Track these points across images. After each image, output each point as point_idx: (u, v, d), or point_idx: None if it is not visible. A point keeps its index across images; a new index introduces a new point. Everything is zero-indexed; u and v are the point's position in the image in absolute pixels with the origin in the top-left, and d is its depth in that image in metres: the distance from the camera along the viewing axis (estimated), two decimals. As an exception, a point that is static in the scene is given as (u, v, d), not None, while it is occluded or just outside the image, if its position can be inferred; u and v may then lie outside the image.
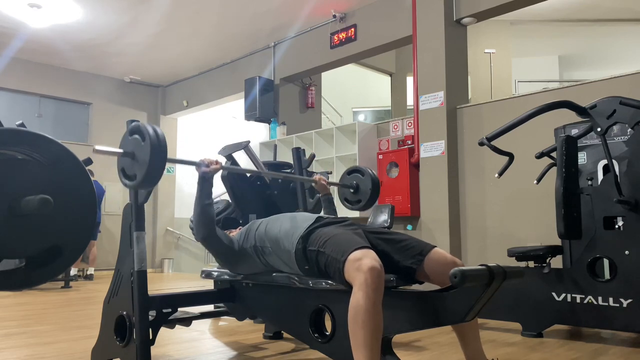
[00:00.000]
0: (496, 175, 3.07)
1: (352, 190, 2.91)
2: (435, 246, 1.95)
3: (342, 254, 1.75)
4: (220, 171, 2.66)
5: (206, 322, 3.62)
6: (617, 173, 2.85)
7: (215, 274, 2.50)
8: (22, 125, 1.82)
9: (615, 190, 2.76)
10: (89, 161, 1.99)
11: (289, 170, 3.01)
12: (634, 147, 2.77)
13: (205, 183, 2.20)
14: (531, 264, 3.20)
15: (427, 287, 1.89)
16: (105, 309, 2.24)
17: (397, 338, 2.78)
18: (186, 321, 2.43)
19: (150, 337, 2.09)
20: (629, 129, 2.89)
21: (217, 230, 2.22)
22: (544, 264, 3.12)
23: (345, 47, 6.29)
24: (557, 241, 3.22)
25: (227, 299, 2.49)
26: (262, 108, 6.93)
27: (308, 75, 7.10)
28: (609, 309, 2.76)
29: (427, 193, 5.02)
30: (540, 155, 3.40)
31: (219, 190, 2.66)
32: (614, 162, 2.89)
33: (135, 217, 2.11)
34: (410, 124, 5.50)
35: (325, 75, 7.71)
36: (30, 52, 7.70)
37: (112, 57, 7.95)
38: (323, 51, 6.53)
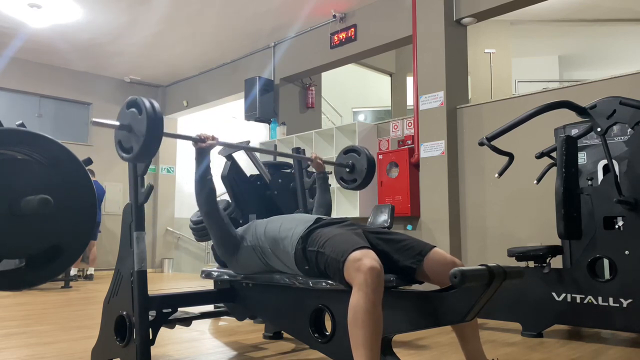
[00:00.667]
0: (496, 175, 3.07)
1: (347, 170, 2.92)
2: (435, 246, 1.95)
3: (341, 255, 1.75)
4: (221, 171, 2.67)
5: (206, 322, 3.62)
6: (617, 173, 2.85)
7: (215, 274, 2.50)
8: (22, 125, 1.82)
9: (615, 190, 2.76)
10: (89, 161, 2.00)
11: (289, 170, 3.02)
12: (634, 147, 2.76)
13: (202, 158, 2.21)
14: (531, 264, 3.20)
15: (427, 287, 1.88)
16: (105, 309, 2.24)
17: (397, 338, 2.79)
18: (186, 321, 2.43)
19: (150, 337, 2.09)
20: (629, 129, 2.89)
21: (220, 209, 2.22)
22: (544, 264, 3.12)
23: (345, 47, 6.28)
24: (557, 241, 3.22)
25: (227, 299, 2.49)
26: (262, 108, 6.92)
27: (308, 75, 7.10)
28: (609, 309, 2.76)
29: (427, 193, 5.02)
30: (540, 155, 3.40)
31: (219, 190, 2.66)
32: (614, 162, 2.89)
33: (135, 217, 2.11)
34: (410, 124, 5.50)
35: (325, 75, 7.70)
36: (30, 52, 7.70)
37: (112, 57, 7.95)
38: (323, 51, 6.52)
